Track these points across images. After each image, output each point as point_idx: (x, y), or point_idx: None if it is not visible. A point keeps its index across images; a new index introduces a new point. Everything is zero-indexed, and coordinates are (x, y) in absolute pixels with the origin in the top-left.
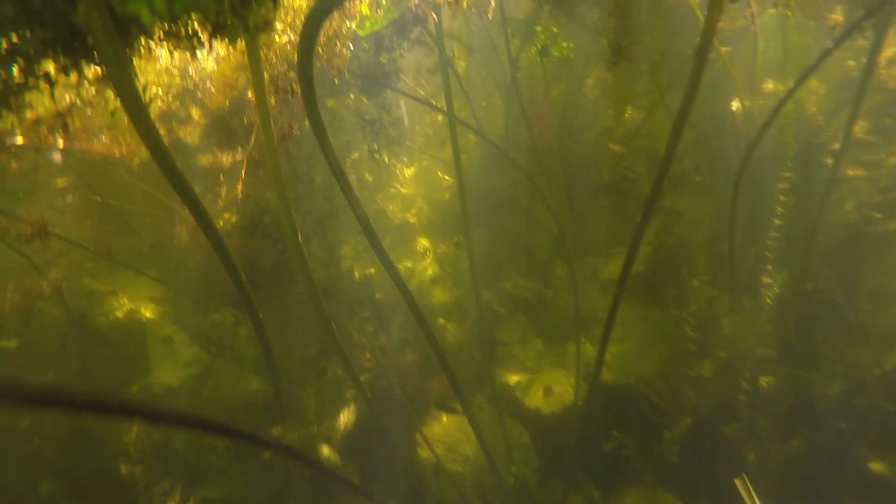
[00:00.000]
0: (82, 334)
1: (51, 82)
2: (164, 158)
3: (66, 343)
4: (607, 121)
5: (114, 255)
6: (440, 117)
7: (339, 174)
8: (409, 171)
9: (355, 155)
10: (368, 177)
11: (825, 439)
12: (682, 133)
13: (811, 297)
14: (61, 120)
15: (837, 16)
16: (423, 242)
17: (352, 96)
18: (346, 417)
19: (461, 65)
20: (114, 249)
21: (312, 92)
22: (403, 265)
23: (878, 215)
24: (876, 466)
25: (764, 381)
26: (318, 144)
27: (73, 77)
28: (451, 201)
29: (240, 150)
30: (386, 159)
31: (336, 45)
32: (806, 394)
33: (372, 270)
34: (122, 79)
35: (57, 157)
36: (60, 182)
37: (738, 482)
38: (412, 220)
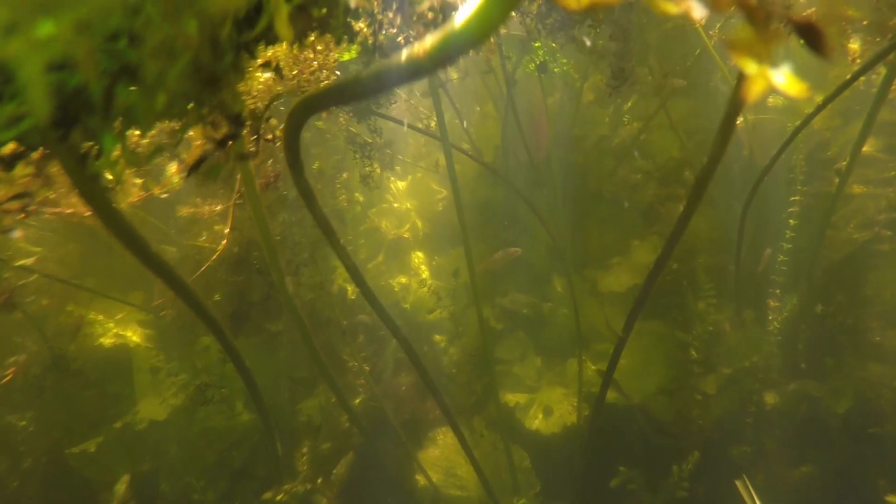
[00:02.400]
0: (63, 372)
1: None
2: (132, 242)
3: (45, 382)
4: (604, 129)
5: (97, 279)
6: (433, 124)
7: (329, 234)
8: (401, 184)
9: (345, 175)
10: (360, 197)
11: (837, 465)
12: (703, 192)
13: (822, 319)
14: (21, 203)
15: (855, 45)
16: (419, 256)
17: (341, 119)
18: (342, 468)
19: (454, 76)
20: (96, 272)
21: (300, 162)
22: (398, 281)
23: (888, 233)
24: (893, 500)
25: (771, 399)
26: (308, 208)
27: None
28: (446, 213)
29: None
30: (378, 170)
31: (321, 75)
32: (816, 416)
33: None
34: (91, 196)
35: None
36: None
37: (738, 483)
38: (406, 234)
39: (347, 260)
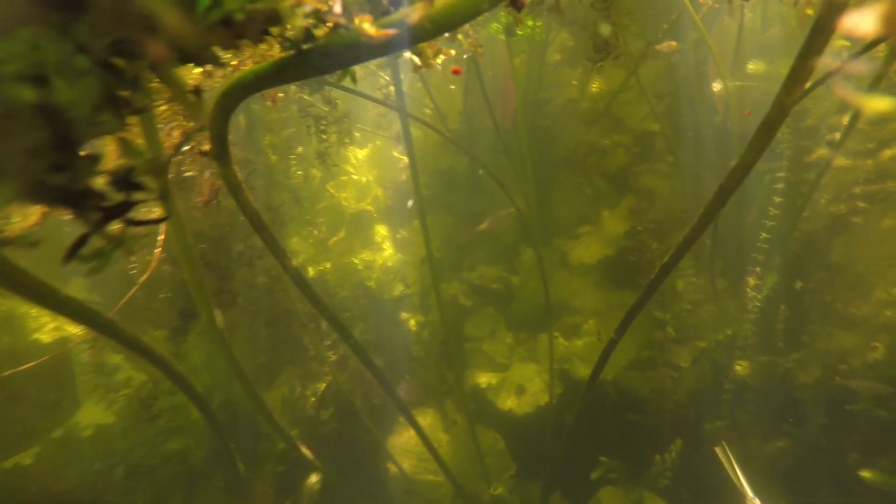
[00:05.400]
0: None
1: None
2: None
3: None
4: (572, 92)
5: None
6: (392, 89)
7: (259, 228)
8: (361, 154)
9: (300, 149)
10: (317, 172)
11: (809, 438)
12: (723, 204)
13: (800, 296)
14: None
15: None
16: (382, 231)
17: (292, 88)
18: (309, 491)
19: None
20: (27, 255)
21: (227, 153)
22: (362, 258)
23: (862, 204)
24: (867, 474)
25: (743, 371)
26: (237, 204)
27: None
28: (409, 182)
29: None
30: (335, 144)
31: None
32: (788, 388)
33: (328, 265)
34: None
35: None
36: None
37: (717, 450)
38: (368, 207)
39: (283, 258)
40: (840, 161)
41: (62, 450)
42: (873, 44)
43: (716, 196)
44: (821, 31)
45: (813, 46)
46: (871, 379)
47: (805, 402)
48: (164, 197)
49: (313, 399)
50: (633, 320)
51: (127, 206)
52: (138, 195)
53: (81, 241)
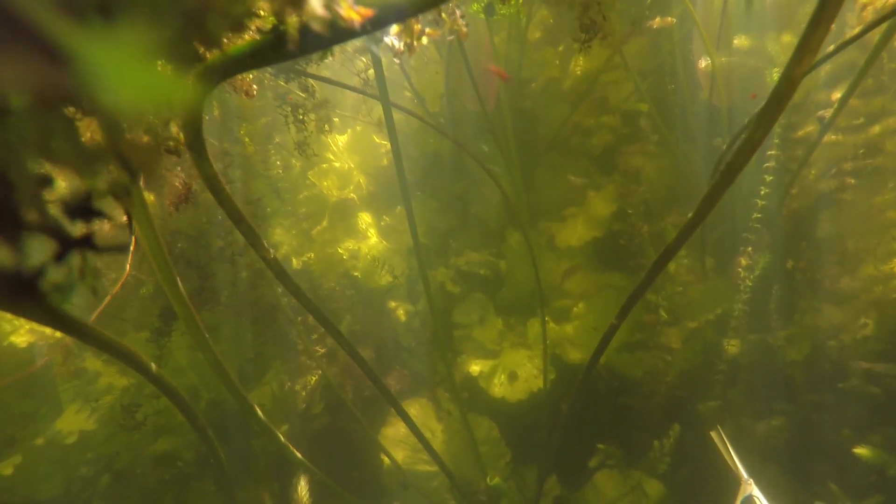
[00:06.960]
0: None
1: None
2: None
3: None
4: (554, 71)
5: None
6: (371, 73)
7: (238, 221)
8: (341, 139)
9: (277, 139)
10: (296, 163)
11: (802, 415)
12: (729, 184)
13: (792, 275)
14: None
15: None
16: (366, 218)
17: (267, 75)
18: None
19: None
20: None
21: (202, 145)
22: (346, 247)
23: (851, 181)
24: (861, 451)
25: (734, 350)
26: (213, 196)
27: None
28: (391, 168)
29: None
30: (314, 133)
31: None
32: (778, 365)
33: (312, 255)
34: None
35: None
36: None
37: (713, 434)
38: (351, 195)
39: (263, 251)
40: (829, 136)
41: (44, 458)
42: (870, 26)
43: (722, 175)
44: None
45: (824, 14)
46: (862, 355)
47: (796, 379)
48: (128, 227)
49: (304, 394)
50: (634, 305)
51: (87, 242)
52: (99, 223)
53: (27, 284)
